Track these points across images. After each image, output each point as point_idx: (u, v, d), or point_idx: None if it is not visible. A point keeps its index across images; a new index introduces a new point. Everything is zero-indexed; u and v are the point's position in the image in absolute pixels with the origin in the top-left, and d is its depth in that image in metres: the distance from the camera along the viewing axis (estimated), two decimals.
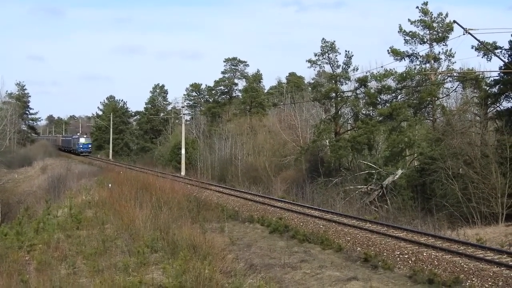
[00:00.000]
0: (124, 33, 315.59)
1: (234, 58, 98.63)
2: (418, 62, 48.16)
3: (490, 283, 17.74)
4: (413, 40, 47.64)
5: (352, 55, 52.97)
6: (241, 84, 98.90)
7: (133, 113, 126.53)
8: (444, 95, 49.27)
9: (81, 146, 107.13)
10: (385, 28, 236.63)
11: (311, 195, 44.73)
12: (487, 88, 41.85)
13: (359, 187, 44.18)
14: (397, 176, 42.12)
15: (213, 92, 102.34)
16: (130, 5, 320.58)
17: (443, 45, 47.14)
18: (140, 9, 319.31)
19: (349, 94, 54.59)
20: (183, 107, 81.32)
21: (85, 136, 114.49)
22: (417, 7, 47.21)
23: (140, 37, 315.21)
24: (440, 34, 47.00)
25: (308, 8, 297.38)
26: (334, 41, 53.29)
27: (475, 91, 45.23)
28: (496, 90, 40.25)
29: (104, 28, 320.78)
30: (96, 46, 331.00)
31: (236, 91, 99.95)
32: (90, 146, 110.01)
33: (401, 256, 21.42)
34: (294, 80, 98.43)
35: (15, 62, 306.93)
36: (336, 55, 53.51)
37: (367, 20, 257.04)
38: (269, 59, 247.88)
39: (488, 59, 41.62)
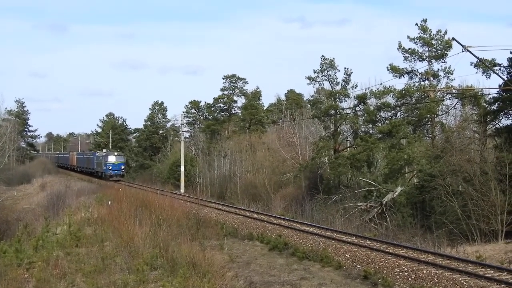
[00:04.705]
0: (126, 49, 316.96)
1: (233, 75, 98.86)
2: (417, 79, 48.41)
3: None
4: (412, 57, 47.91)
5: (351, 72, 53.34)
6: (240, 101, 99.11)
7: (132, 130, 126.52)
8: (443, 112, 49.38)
9: (110, 168, 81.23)
10: (388, 45, 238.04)
11: (311, 212, 44.70)
12: (486, 105, 41.93)
13: (358, 204, 44.13)
14: (396, 193, 42.10)
15: (212, 109, 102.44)
16: (133, 21, 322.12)
17: (442, 62, 47.38)
18: (143, 24, 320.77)
19: (349, 111, 54.72)
20: (182, 124, 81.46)
21: (115, 154, 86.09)
22: (416, 24, 47.55)
23: (141, 53, 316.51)
24: (439, 51, 47.21)
25: (311, 24, 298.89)
26: (334, 59, 53.73)
27: (474, 108, 45.35)
28: (495, 107, 40.34)
29: (106, 44, 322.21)
30: (98, 62, 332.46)
31: (235, 108, 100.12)
32: (123, 167, 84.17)
33: (400, 273, 21.36)
34: (293, 97, 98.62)
35: (16, 79, 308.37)
36: (335, 72, 53.90)
37: (370, 36, 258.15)
38: (269, 76, 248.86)
39: (487, 76, 41.76)
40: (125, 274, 21.08)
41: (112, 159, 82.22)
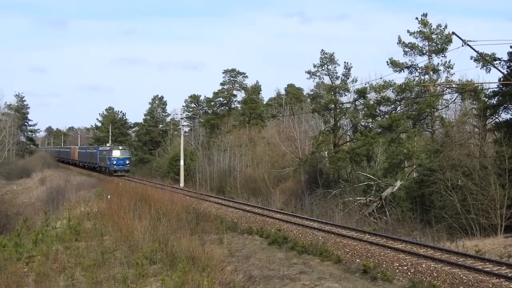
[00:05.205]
0: (125, 44, 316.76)
1: (233, 70, 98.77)
2: (417, 74, 48.40)
3: None
4: (412, 52, 47.84)
5: (351, 67, 53.22)
6: (240, 95, 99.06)
7: (132, 125, 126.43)
8: (443, 107, 49.33)
9: (114, 163, 75.23)
10: (388, 40, 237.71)
11: (310, 206, 44.70)
12: (486, 99, 41.90)
13: (358, 198, 44.12)
14: (396, 187, 42.08)
15: (212, 103, 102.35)
16: (133, 17, 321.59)
17: (442, 56, 47.37)
18: (143, 20, 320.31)
19: (348, 105, 54.66)
20: (182, 118, 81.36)
21: (120, 148, 79.92)
22: (417, 18, 47.47)
23: (141, 48, 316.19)
24: (439, 45, 47.15)
25: (311, 20, 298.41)
26: (333, 53, 53.60)
27: (474, 102, 45.31)
28: (495, 102, 40.32)
29: (106, 40, 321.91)
30: (98, 57, 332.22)
31: (235, 103, 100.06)
32: (128, 162, 77.96)
33: (400, 267, 21.37)
34: (293, 92, 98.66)
35: (16, 74, 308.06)
36: (335, 67, 53.78)
37: (370, 32, 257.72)
38: (269, 70, 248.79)
39: (487, 71, 41.73)
40: (125, 268, 21.12)
41: (116, 153, 76.57)
